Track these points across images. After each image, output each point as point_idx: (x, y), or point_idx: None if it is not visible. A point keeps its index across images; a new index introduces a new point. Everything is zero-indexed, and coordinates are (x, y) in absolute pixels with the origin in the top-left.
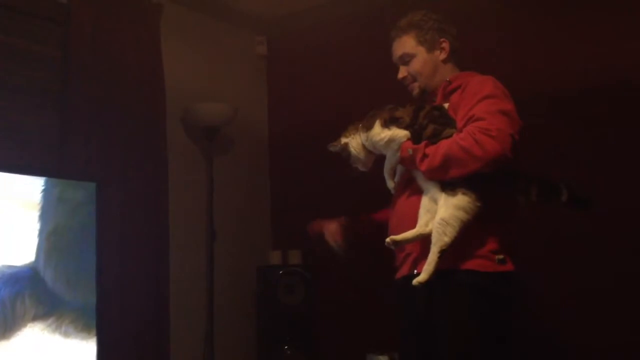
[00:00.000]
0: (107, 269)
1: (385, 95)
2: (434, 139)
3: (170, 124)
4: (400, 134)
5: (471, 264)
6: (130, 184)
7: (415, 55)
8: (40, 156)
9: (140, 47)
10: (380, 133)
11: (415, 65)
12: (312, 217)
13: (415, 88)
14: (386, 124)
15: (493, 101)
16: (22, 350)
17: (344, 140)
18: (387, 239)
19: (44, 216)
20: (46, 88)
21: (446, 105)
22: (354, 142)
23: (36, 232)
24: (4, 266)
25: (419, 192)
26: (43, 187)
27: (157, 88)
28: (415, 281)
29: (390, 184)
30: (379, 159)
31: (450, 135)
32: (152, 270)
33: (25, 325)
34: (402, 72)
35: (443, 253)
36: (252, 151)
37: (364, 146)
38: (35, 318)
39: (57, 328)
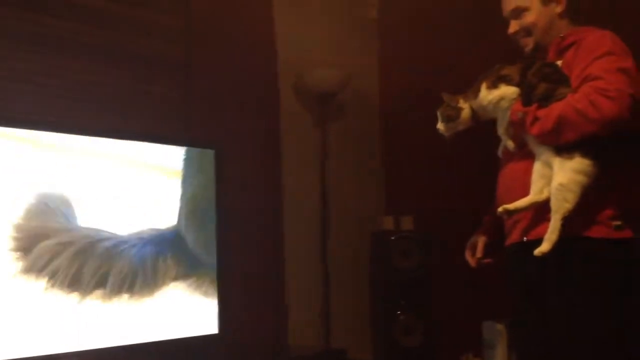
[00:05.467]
0: (226, 233)
1: (501, 56)
2: (546, 101)
3: (283, 90)
4: (509, 91)
5: (589, 231)
6: (246, 151)
7: (529, 8)
8: (164, 124)
9: (254, 14)
10: (488, 95)
11: (530, 17)
12: (423, 183)
13: (530, 43)
14: (494, 84)
15: (611, 58)
16: (165, 307)
17: (462, 104)
18: (499, 208)
19: (185, 182)
20: (169, 58)
21: (559, 62)
22: (466, 111)
23: (178, 197)
24: (150, 229)
25: (529, 156)
26: (184, 157)
27: (270, 55)
28: (537, 251)
29: (510, 144)
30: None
31: (564, 96)
32: (269, 235)
33: (167, 284)
34: (514, 27)
35: (565, 220)
36: (364, 117)
37: (471, 117)
38: (177, 277)
39: (197, 287)
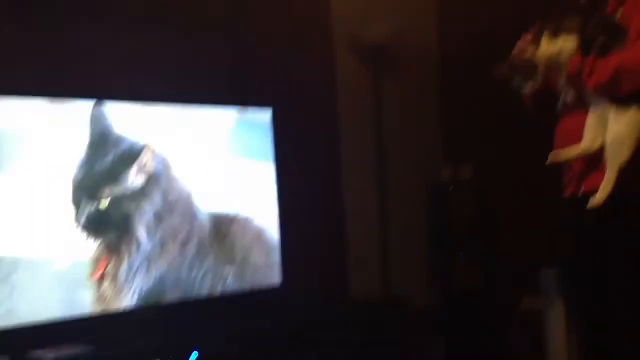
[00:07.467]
0: (286, 190)
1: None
2: (604, 53)
3: (337, 45)
4: (568, 44)
5: None
6: (302, 108)
7: None
8: (216, 87)
9: None
10: (549, 49)
11: None
12: (483, 134)
13: None
14: (554, 35)
15: None
16: None
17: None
18: (550, 156)
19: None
20: (217, 21)
21: (619, 14)
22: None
23: None
24: None
25: (588, 108)
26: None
27: (323, 9)
28: (591, 203)
29: (569, 97)
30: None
31: (623, 48)
32: (328, 188)
33: None
34: None
35: (621, 173)
36: (421, 68)
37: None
38: None
39: None
